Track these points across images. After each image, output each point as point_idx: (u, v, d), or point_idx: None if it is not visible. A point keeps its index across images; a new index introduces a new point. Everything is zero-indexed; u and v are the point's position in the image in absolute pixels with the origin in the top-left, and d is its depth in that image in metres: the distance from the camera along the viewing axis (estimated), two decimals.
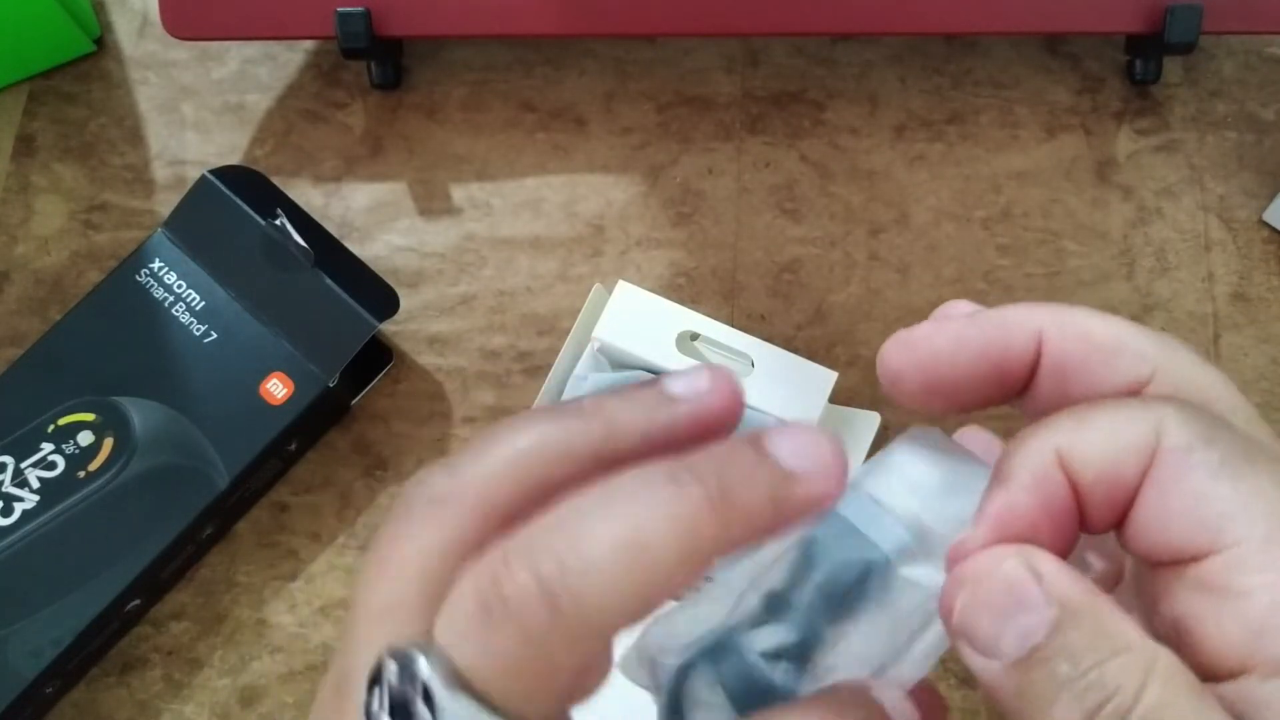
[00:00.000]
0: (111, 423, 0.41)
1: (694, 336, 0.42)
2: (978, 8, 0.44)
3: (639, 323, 0.41)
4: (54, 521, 0.40)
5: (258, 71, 0.50)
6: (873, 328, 0.45)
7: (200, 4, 0.45)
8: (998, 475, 0.20)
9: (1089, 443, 0.19)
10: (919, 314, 0.45)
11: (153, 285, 0.43)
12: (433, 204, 0.48)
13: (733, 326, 0.41)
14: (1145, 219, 0.46)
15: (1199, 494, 0.18)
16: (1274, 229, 0.46)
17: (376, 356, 0.45)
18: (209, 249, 0.43)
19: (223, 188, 0.43)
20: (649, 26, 0.46)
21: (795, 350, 0.41)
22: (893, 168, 0.47)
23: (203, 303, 0.42)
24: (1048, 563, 0.18)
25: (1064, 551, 0.19)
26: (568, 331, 0.42)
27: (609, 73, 0.49)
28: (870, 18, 0.45)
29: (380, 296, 0.43)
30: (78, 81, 0.50)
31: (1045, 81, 0.48)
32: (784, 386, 0.40)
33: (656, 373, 0.41)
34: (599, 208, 0.47)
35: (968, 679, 0.41)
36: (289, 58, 0.50)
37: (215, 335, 0.42)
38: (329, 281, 0.42)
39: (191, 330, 0.42)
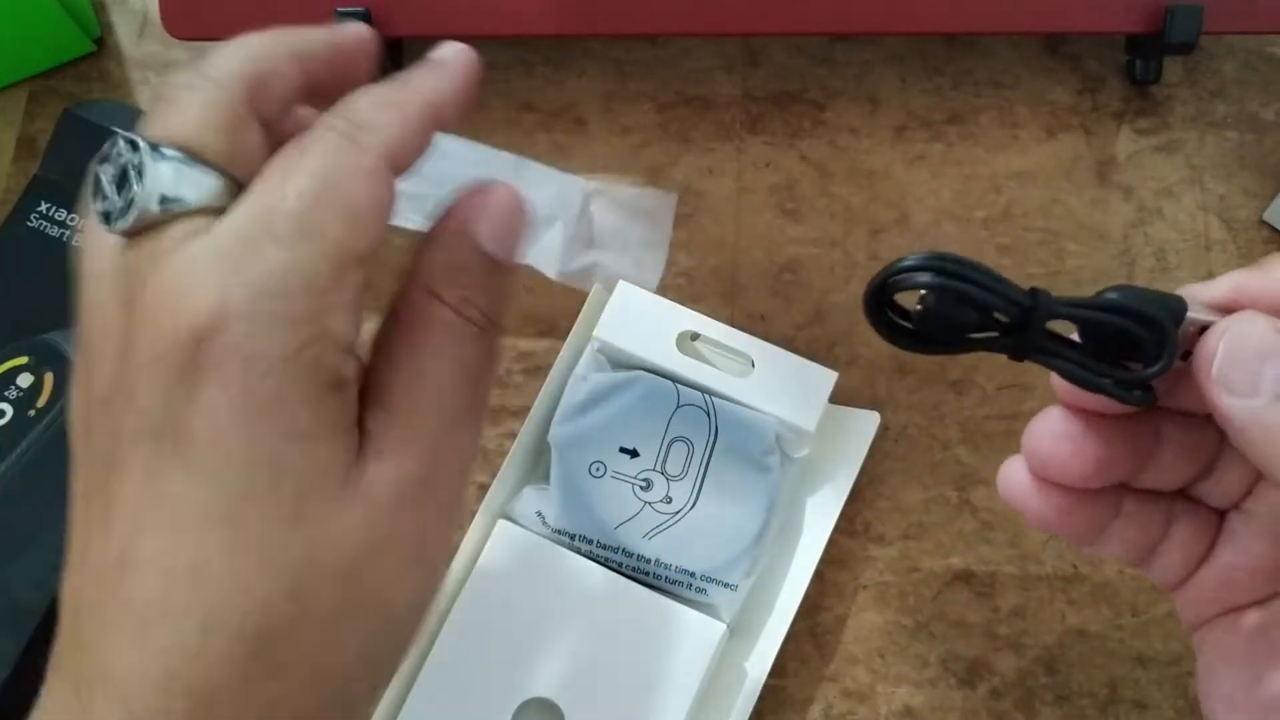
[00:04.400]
0: (46, 358, 0.42)
1: (694, 336, 0.42)
2: (978, 8, 0.44)
3: (639, 323, 0.41)
4: (19, 463, 0.41)
5: None
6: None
7: (200, 4, 0.45)
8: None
9: None
10: None
11: (46, 225, 0.44)
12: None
13: (733, 326, 0.41)
14: (1145, 219, 0.46)
15: None
16: (1274, 229, 0.46)
17: None
18: None
19: (88, 118, 0.44)
20: (649, 26, 0.46)
21: (795, 350, 0.41)
22: (893, 168, 0.47)
23: None
24: None
25: None
26: (568, 331, 0.42)
27: (609, 73, 0.49)
28: (870, 18, 0.45)
29: None
30: (78, 81, 0.50)
31: (1045, 81, 0.48)
32: (784, 386, 0.40)
33: (657, 373, 0.41)
34: None
35: (968, 679, 0.41)
36: None
37: None
38: None
39: None
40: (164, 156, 0.22)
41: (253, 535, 0.20)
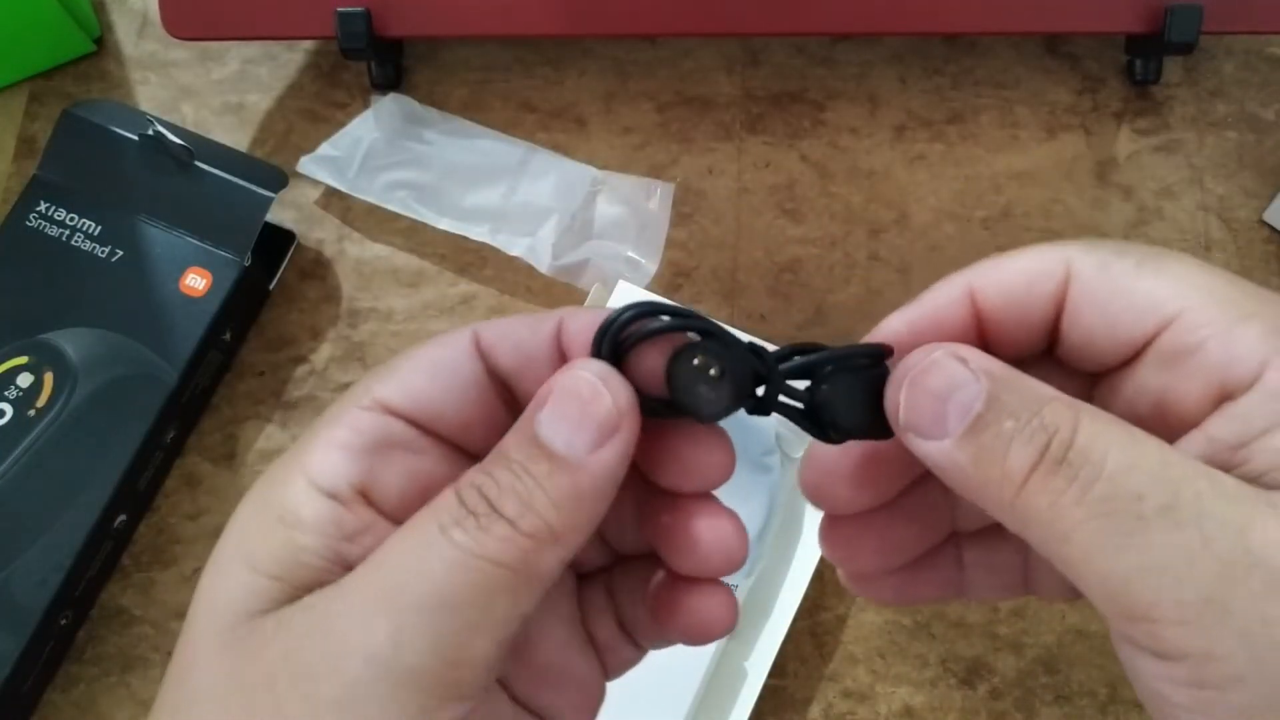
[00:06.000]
0: (46, 358, 0.42)
1: None
2: (978, 8, 0.44)
3: None
4: (20, 462, 0.41)
5: (258, 71, 0.50)
6: (873, 328, 0.45)
7: (200, 4, 0.45)
8: (910, 302, 0.23)
9: (999, 276, 0.22)
10: None
11: (45, 225, 0.44)
12: None
13: (733, 326, 0.41)
14: (1145, 219, 0.46)
15: (1128, 290, 0.21)
16: (1274, 229, 0.46)
17: (280, 239, 0.47)
18: (90, 177, 0.44)
19: (88, 117, 0.45)
20: (649, 26, 0.46)
21: None
22: (893, 168, 0.47)
23: (99, 227, 0.44)
24: (967, 349, 0.21)
25: None
26: None
27: (609, 73, 0.49)
28: (870, 18, 0.45)
29: (266, 174, 0.44)
30: (78, 81, 0.50)
31: (1045, 81, 0.48)
32: None
33: None
34: None
35: (968, 679, 0.41)
36: (289, 58, 0.50)
37: (121, 252, 0.43)
38: (215, 170, 0.44)
39: (96, 255, 0.43)
40: None
41: None
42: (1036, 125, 0.48)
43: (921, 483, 0.25)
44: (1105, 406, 0.22)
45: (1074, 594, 0.25)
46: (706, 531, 0.22)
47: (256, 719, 0.19)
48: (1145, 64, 0.47)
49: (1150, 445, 0.20)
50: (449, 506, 0.20)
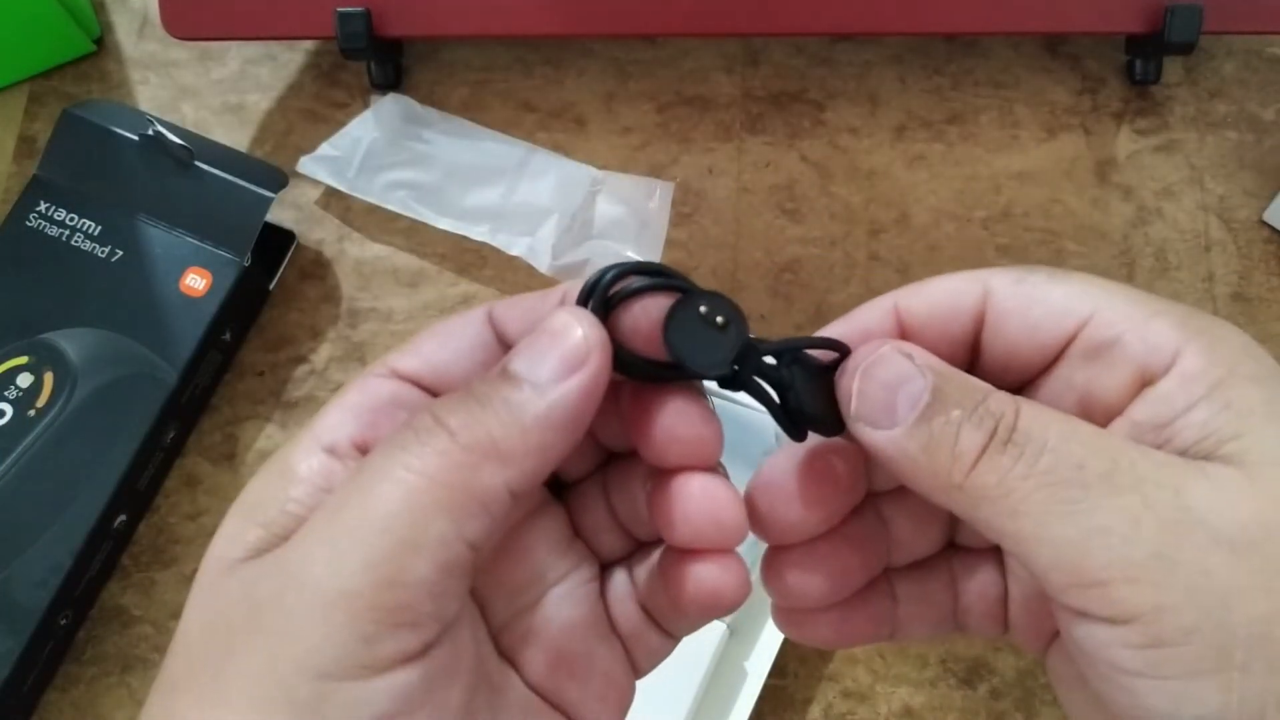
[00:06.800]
0: (46, 359, 0.42)
1: None
2: (978, 8, 0.44)
3: None
4: (20, 462, 0.41)
5: (258, 71, 0.50)
6: None
7: (200, 4, 0.45)
8: (840, 318, 0.24)
9: (923, 294, 0.24)
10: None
11: (45, 225, 0.44)
12: None
13: None
14: (1145, 219, 0.46)
15: (1044, 298, 0.23)
16: (1274, 229, 0.46)
17: (280, 239, 0.47)
18: (90, 176, 0.44)
19: (88, 117, 0.45)
20: (649, 26, 0.46)
21: None
22: (893, 168, 0.47)
23: (99, 227, 0.44)
24: (910, 345, 0.22)
25: None
26: None
27: (609, 73, 0.49)
28: (870, 18, 0.45)
29: (266, 174, 0.44)
30: (78, 81, 0.50)
31: (1045, 81, 0.48)
32: None
33: None
34: None
35: (968, 679, 0.41)
36: (289, 58, 0.50)
37: (121, 252, 0.43)
38: (215, 170, 0.44)
39: (96, 254, 0.43)
40: None
41: None
42: (1036, 125, 0.48)
43: (861, 511, 0.25)
44: None
45: (1000, 628, 0.26)
46: (689, 500, 0.22)
47: (215, 661, 0.19)
48: (1145, 64, 0.47)
49: (1085, 425, 0.21)
50: (399, 429, 0.20)
